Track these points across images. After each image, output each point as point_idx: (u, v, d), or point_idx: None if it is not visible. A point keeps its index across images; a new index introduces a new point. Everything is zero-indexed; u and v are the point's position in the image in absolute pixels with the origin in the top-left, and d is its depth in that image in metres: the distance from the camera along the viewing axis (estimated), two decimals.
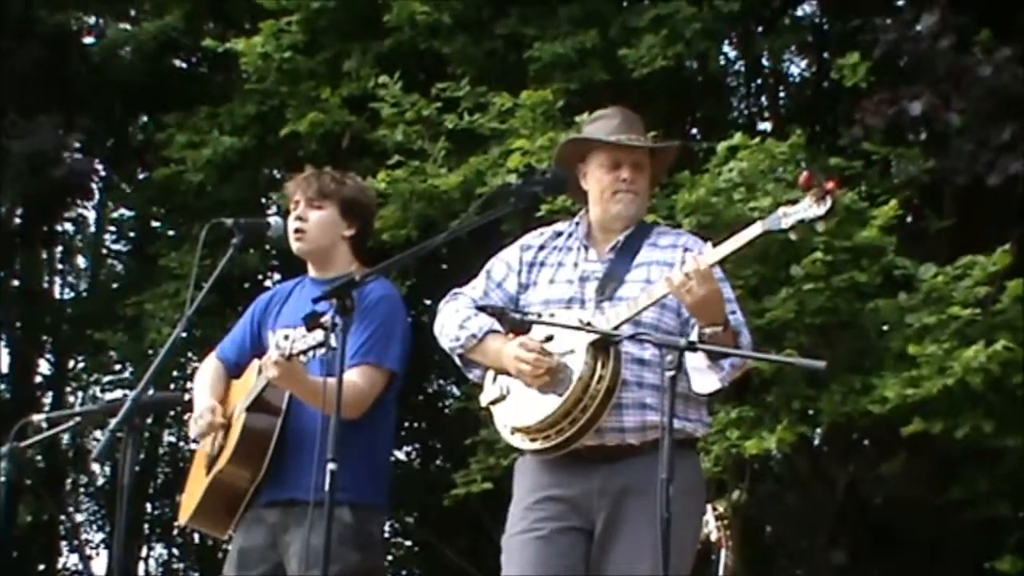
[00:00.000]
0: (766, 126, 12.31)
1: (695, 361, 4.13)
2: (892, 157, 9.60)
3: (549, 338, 4.23)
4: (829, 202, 3.87)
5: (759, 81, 12.98)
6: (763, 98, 13.05)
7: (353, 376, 4.50)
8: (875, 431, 10.10)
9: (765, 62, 12.74)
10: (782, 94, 13.20)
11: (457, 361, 4.53)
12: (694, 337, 4.07)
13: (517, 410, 4.29)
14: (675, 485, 3.69)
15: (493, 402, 4.38)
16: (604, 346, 4.15)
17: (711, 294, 4.03)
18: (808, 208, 3.90)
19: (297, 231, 4.78)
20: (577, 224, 4.53)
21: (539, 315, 4.27)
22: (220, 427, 4.71)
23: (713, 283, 4.03)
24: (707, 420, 4.43)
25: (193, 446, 5.05)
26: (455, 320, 4.46)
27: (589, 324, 4.16)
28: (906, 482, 10.46)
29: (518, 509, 4.37)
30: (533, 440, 4.26)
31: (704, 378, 4.17)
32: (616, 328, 4.15)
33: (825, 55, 12.11)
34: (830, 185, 3.89)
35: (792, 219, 3.93)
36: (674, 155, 4.65)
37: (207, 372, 4.93)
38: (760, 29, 12.01)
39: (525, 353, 4.21)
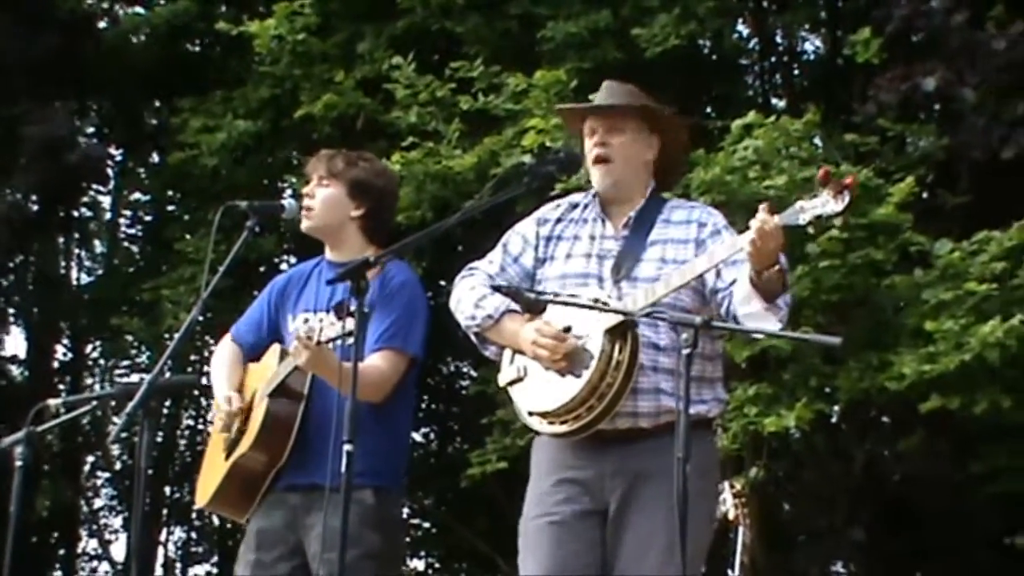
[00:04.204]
0: (780, 104, 12.29)
1: (749, 308, 4.04)
2: (907, 133, 9.56)
3: (567, 328, 4.20)
4: (847, 198, 3.85)
5: (773, 59, 12.94)
6: (777, 76, 13.00)
7: (376, 360, 4.51)
8: (893, 408, 10.09)
9: (779, 40, 12.70)
10: (796, 72, 13.16)
11: (473, 338, 4.50)
12: (746, 280, 4.01)
13: (535, 393, 4.27)
14: (690, 465, 3.67)
15: (511, 383, 4.37)
16: (621, 331, 4.12)
17: (779, 246, 3.96)
18: (826, 203, 3.87)
19: (304, 208, 4.78)
20: (594, 196, 4.48)
21: (555, 294, 4.24)
22: (239, 415, 4.71)
23: (782, 236, 3.94)
24: (723, 398, 4.40)
25: (211, 429, 5.04)
26: (471, 297, 4.43)
27: (605, 303, 4.14)
28: (924, 458, 10.45)
29: (535, 493, 4.36)
30: (551, 424, 4.25)
31: (764, 323, 4.08)
32: (648, 307, 4.09)
33: (839, 32, 12.07)
34: (848, 181, 3.87)
35: (810, 214, 3.89)
36: (674, 123, 4.55)
37: (224, 356, 4.91)
38: (773, 7, 11.97)
39: (542, 339, 4.19)
